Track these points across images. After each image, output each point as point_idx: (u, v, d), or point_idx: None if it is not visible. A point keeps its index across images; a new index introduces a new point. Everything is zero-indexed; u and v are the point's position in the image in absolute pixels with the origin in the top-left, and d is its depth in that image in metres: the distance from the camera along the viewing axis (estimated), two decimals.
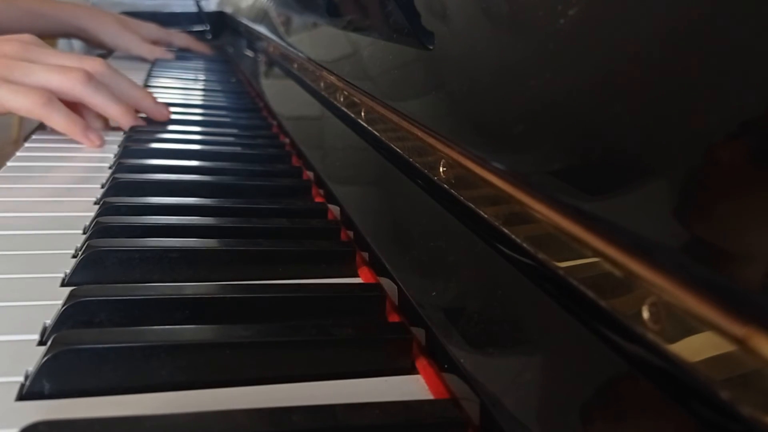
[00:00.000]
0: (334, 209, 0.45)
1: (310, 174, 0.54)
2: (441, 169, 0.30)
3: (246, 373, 0.27)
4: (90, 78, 0.59)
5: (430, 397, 0.27)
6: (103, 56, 1.28)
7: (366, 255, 0.38)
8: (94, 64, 0.62)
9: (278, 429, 0.22)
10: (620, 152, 0.19)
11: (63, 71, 0.58)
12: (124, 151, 0.57)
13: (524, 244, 0.22)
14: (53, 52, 0.62)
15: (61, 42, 1.75)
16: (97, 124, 0.64)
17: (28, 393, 0.25)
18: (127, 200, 0.44)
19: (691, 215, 0.16)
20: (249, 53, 1.10)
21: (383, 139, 0.38)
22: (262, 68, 0.94)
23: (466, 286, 0.28)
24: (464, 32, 0.31)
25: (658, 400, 0.17)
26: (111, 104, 0.60)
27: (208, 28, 1.62)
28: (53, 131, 0.62)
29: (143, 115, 0.68)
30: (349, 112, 0.46)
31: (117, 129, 0.67)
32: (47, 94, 0.56)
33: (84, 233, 0.41)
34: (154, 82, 0.95)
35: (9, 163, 0.56)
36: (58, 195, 0.48)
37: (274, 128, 0.72)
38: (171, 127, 0.67)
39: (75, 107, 0.62)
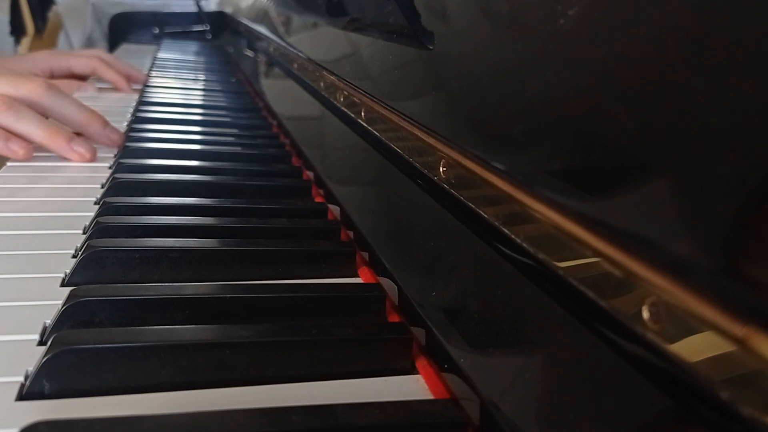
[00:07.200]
0: (334, 209, 0.45)
1: (310, 174, 0.54)
2: (441, 169, 0.30)
3: (246, 373, 0.27)
4: (10, 106, 0.56)
5: (430, 397, 0.27)
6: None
7: (366, 255, 0.38)
8: (30, 91, 0.58)
9: (278, 429, 0.22)
10: (620, 152, 0.19)
11: None
12: (124, 151, 0.57)
13: (524, 244, 0.22)
14: None
15: (61, 41, 1.75)
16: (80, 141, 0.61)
17: (28, 393, 0.25)
18: (127, 200, 0.44)
19: (691, 215, 0.16)
20: (249, 53, 1.10)
21: (383, 139, 0.38)
22: (262, 68, 0.94)
23: (466, 286, 0.28)
24: (464, 32, 0.31)
25: (658, 400, 0.17)
26: (34, 131, 0.57)
27: (208, 28, 1.62)
28: None
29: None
30: (349, 112, 0.46)
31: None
32: None
33: (84, 233, 0.41)
34: (153, 81, 0.94)
35: (9, 163, 0.56)
36: (58, 195, 0.48)
37: (274, 128, 0.72)
38: (171, 127, 0.67)
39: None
